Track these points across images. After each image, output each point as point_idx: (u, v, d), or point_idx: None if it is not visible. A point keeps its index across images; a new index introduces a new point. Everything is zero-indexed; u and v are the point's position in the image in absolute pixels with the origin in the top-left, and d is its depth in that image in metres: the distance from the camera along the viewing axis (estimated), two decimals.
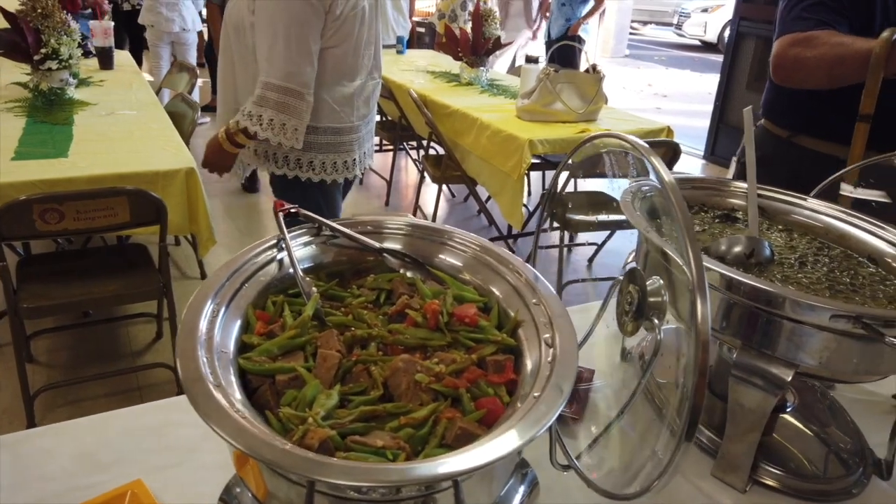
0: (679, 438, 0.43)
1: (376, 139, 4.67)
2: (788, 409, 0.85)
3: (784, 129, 1.76)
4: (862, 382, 0.87)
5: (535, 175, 3.70)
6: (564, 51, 4.87)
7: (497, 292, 0.65)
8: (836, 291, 0.75)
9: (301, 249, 0.71)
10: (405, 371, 0.54)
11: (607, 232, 3.42)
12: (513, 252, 3.51)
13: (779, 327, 0.68)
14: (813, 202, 0.89)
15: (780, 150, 1.76)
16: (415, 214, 3.97)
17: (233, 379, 0.51)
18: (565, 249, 3.20)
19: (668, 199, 0.49)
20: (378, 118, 4.32)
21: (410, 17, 5.66)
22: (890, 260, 0.80)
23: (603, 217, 2.61)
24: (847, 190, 0.98)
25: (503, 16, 5.07)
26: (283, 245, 0.68)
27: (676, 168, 3.14)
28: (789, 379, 0.68)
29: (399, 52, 4.57)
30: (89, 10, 4.34)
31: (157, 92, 3.86)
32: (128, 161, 2.12)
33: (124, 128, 2.50)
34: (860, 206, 1.44)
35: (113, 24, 3.62)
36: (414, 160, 4.67)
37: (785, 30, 1.58)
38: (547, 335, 0.56)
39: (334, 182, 1.73)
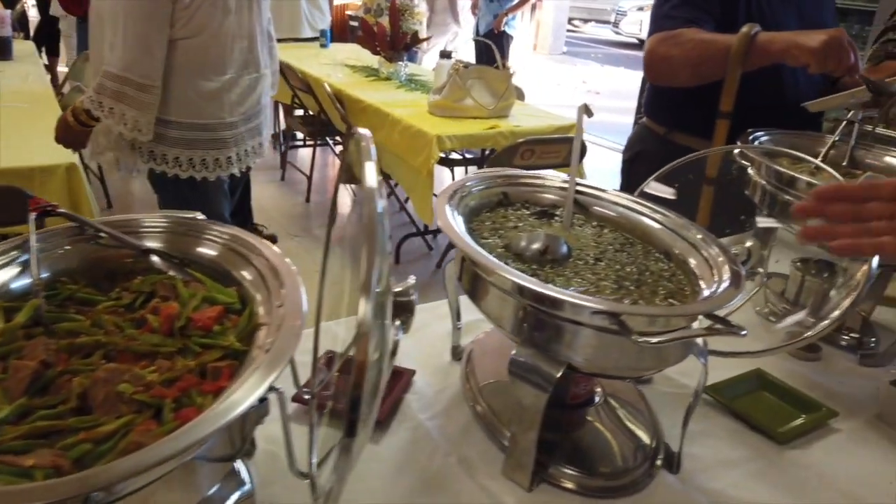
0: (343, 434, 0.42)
1: (299, 134, 4.58)
2: (596, 403, 0.85)
3: (661, 125, 1.79)
4: (633, 377, 0.88)
5: (458, 171, 3.69)
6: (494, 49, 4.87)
7: (252, 290, 0.63)
8: (620, 287, 0.75)
9: (59, 251, 0.68)
10: (106, 381, 0.51)
11: None
12: (430, 248, 3.45)
13: (546, 324, 0.68)
14: (612, 195, 0.89)
15: (658, 146, 1.79)
16: (333, 210, 3.91)
17: None
18: None
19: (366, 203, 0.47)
20: (300, 112, 4.23)
21: (335, 10, 5.56)
22: (680, 254, 0.81)
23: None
24: (650, 188, 0.99)
25: (430, 12, 5.05)
26: (28, 246, 0.64)
27: (596, 165, 3.17)
28: (558, 375, 0.68)
29: (322, 46, 4.50)
30: None
31: (63, 83, 3.71)
32: (4, 156, 2.00)
33: (10, 121, 2.37)
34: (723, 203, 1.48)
35: (10, 12, 3.45)
36: (337, 155, 4.60)
37: (655, 28, 1.59)
38: (270, 339, 0.54)
39: (206, 180, 1.67)
